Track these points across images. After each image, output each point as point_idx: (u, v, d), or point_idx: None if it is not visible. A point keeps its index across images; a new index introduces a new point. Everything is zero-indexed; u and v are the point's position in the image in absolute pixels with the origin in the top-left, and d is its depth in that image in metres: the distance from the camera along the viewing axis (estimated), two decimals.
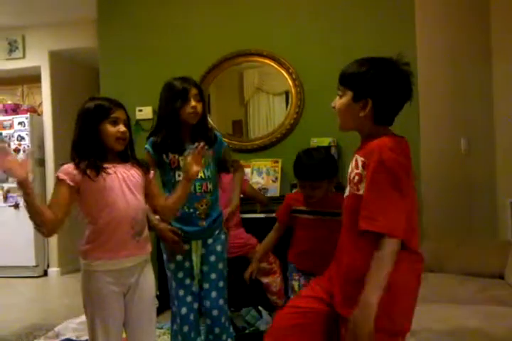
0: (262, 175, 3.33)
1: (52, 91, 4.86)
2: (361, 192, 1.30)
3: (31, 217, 1.54)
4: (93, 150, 1.64)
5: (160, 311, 3.10)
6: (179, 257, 2.06)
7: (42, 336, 2.86)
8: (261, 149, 3.54)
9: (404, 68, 1.37)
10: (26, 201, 1.51)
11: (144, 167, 1.75)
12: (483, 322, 1.79)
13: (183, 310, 2.05)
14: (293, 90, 3.50)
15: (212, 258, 2.08)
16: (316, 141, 3.32)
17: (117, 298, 1.67)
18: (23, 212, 4.67)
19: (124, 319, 1.70)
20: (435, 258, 2.56)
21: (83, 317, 2.99)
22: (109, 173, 1.63)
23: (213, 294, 2.06)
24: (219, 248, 2.10)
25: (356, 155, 1.37)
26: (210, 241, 2.08)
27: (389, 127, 1.40)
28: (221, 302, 2.07)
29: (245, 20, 3.62)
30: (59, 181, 1.61)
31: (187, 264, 2.06)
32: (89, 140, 1.65)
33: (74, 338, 2.75)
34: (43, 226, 1.56)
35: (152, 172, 1.81)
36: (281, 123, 3.56)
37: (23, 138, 4.77)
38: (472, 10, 3.24)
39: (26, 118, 4.78)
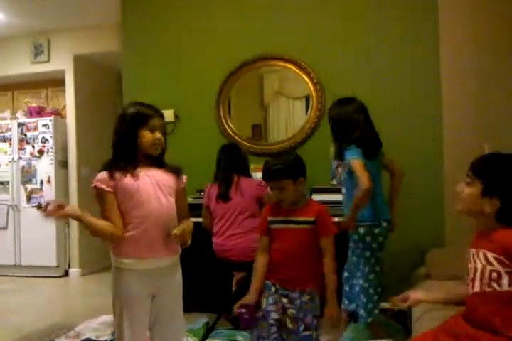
0: None
1: (75, 95, 4.94)
2: (506, 288, 1.34)
3: (95, 235, 1.66)
4: (128, 154, 1.70)
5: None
6: None
7: (63, 335, 2.89)
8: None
9: None
10: (86, 226, 1.65)
11: (176, 172, 1.80)
12: None
13: None
14: (314, 94, 3.50)
15: None
16: None
17: (145, 299, 1.70)
18: None
19: (151, 320, 1.73)
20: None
21: (103, 318, 3.06)
22: (141, 176, 1.68)
23: None
24: None
25: (480, 250, 1.41)
26: None
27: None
28: None
29: (266, 24, 3.64)
30: (100, 190, 1.67)
31: None
32: (127, 143, 1.70)
33: (94, 338, 2.79)
34: (108, 240, 1.68)
35: (185, 179, 1.85)
36: (301, 128, 3.56)
37: (46, 140, 4.86)
38: (498, 12, 3.20)
39: (50, 121, 4.87)
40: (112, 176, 1.66)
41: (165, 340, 1.76)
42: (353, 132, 2.39)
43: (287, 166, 1.89)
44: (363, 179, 2.24)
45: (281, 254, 1.91)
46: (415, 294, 1.61)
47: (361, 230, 2.40)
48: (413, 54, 3.32)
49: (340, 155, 2.46)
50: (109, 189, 1.66)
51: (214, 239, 2.87)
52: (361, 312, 2.40)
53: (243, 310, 1.85)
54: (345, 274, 2.50)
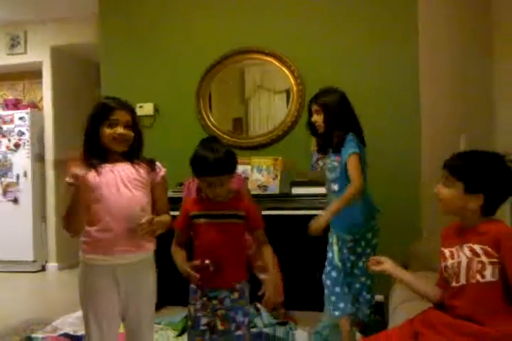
0: (262, 172, 3.33)
1: (53, 87, 4.85)
2: (489, 278, 1.36)
3: (70, 218, 1.64)
4: (94, 150, 1.68)
5: (158, 307, 3.10)
6: None
7: (39, 330, 2.86)
8: (261, 147, 3.55)
9: (509, 166, 1.44)
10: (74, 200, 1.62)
11: (149, 166, 1.75)
12: None
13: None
14: (294, 88, 3.50)
15: None
16: None
17: (111, 293, 1.67)
18: (22, 207, 4.69)
19: (122, 314, 1.71)
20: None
21: (81, 312, 3.02)
22: (105, 171, 1.66)
23: None
24: None
25: (464, 245, 1.43)
26: None
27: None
28: None
29: (248, 17, 3.62)
30: (71, 185, 1.66)
31: None
32: (90, 140, 1.69)
33: (71, 332, 2.75)
34: (75, 229, 1.67)
35: (163, 172, 1.80)
36: (281, 121, 3.56)
37: (23, 133, 4.76)
38: (474, 7, 3.25)
39: (27, 114, 4.78)
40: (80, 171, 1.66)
41: (134, 338, 1.75)
42: (351, 118, 2.34)
43: (227, 160, 1.74)
44: (360, 177, 2.20)
45: (208, 250, 1.76)
46: (386, 264, 1.62)
47: (369, 235, 2.34)
48: (392, 48, 3.35)
49: (337, 146, 2.30)
50: (78, 183, 1.65)
51: None
52: (365, 310, 2.38)
53: (208, 262, 1.71)
54: (334, 274, 2.33)
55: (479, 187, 1.42)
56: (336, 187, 2.33)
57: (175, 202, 3.06)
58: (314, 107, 2.38)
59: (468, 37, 3.20)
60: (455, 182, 1.45)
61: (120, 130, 1.66)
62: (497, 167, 1.43)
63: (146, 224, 1.61)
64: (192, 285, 1.81)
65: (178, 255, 1.81)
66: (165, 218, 1.75)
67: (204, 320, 1.77)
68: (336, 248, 2.33)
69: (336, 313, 2.27)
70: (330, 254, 2.36)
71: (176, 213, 2.92)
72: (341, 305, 2.26)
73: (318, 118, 2.35)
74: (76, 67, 5.20)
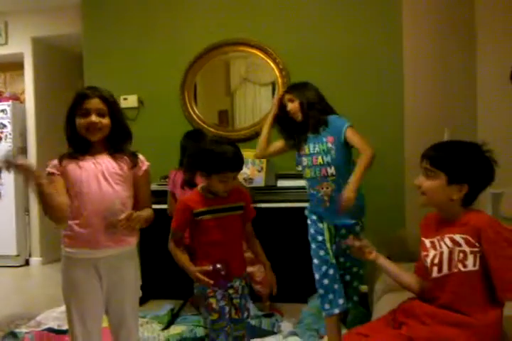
0: (247, 165, 3.32)
1: (35, 79, 4.76)
2: (470, 267, 1.38)
3: (44, 211, 1.58)
4: (74, 141, 1.67)
5: (143, 301, 3.11)
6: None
7: (23, 325, 2.83)
8: (247, 139, 3.53)
9: (488, 155, 1.44)
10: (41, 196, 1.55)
11: (131, 160, 1.71)
12: None
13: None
14: (279, 81, 3.49)
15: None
16: None
17: (93, 287, 1.66)
18: (4, 201, 4.62)
19: (105, 308, 1.70)
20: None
21: (64, 307, 3.00)
22: (86, 164, 1.64)
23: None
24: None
25: (446, 235, 1.44)
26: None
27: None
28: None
29: (233, 9, 3.59)
30: (50, 175, 1.64)
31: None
32: (68, 131, 1.68)
33: (55, 327, 2.73)
34: (56, 219, 1.60)
35: (145, 166, 1.76)
36: (267, 114, 3.54)
37: (5, 126, 4.68)
38: (457, 4, 3.28)
39: (8, 106, 4.69)
40: (60, 162, 1.64)
41: (118, 331, 1.73)
42: (327, 105, 2.32)
43: (241, 154, 1.77)
44: (368, 144, 2.15)
45: (220, 244, 1.78)
46: (374, 253, 1.64)
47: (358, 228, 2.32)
48: (377, 42, 3.35)
49: (315, 127, 2.25)
50: (58, 172, 1.63)
51: None
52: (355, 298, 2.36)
53: (219, 266, 1.74)
54: (331, 272, 2.24)
55: (464, 177, 1.42)
56: (332, 170, 2.23)
57: (159, 195, 3.06)
58: (287, 96, 2.33)
59: (451, 30, 3.23)
60: (437, 173, 1.44)
61: (94, 118, 1.63)
62: (477, 156, 1.43)
63: (125, 219, 1.59)
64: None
65: (183, 257, 1.78)
66: (147, 212, 1.72)
67: (227, 309, 1.80)
68: (328, 245, 2.27)
69: (336, 311, 2.21)
70: (322, 252, 2.27)
71: (162, 206, 2.94)
72: (340, 301, 2.21)
73: (293, 106, 2.30)
74: (58, 59, 5.11)
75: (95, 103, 1.64)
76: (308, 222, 2.38)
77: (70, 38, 4.60)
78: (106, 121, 1.65)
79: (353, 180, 2.11)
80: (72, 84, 5.06)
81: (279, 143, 2.46)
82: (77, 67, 4.42)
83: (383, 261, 1.64)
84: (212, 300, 1.77)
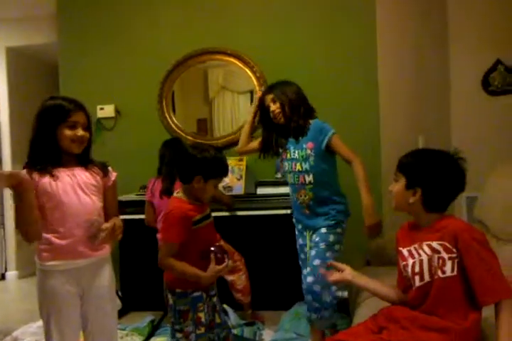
0: None
1: (9, 90, 4.67)
2: (449, 273, 1.40)
3: (21, 225, 1.50)
4: (48, 154, 1.63)
5: (123, 313, 3.06)
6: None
7: None
8: (226, 147, 3.53)
9: (459, 162, 1.48)
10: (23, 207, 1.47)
11: (102, 170, 1.74)
12: None
13: None
14: (257, 88, 3.51)
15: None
16: None
17: (73, 299, 1.64)
18: None
19: (82, 321, 1.68)
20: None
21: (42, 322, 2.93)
22: (61, 176, 1.62)
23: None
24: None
25: (423, 243, 1.46)
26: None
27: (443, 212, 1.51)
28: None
29: (210, 18, 3.61)
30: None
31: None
32: (45, 142, 1.63)
33: None
34: (28, 233, 1.53)
35: (114, 176, 1.79)
36: (245, 122, 3.56)
37: None
38: (431, 13, 3.36)
39: None
40: (30, 176, 1.59)
41: (96, 339, 1.71)
42: (309, 107, 2.27)
43: None
44: (355, 152, 2.14)
45: (207, 250, 1.76)
46: (346, 272, 1.64)
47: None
48: (352, 50, 3.40)
49: (297, 133, 2.20)
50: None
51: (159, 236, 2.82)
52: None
53: (214, 248, 1.74)
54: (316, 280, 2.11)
55: (417, 182, 1.47)
56: (310, 178, 2.19)
57: (138, 205, 3.04)
58: (269, 97, 2.25)
59: (426, 39, 3.31)
60: (400, 178, 1.52)
61: (81, 132, 1.65)
62: (439, 163, 1.47)
63: (110, 229, 1.61)
64: (194, 294, 1.75)
65: (188, 267, 1.69)
66: (119, 221, 1.73)
67: (212, 322, 1.81)
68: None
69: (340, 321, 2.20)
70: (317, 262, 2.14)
71: (142, 216, 2.91)
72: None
73: (275, 107, 2.23)
74: (34, 69, 5.04)
75: (82, 116, 1.66)
76: (296, 231, 2.37)
77: (45, 47, 4.54)
78: (87, 134, 1.68)
79: (366, 202, 2.06)
80: (48, 94, 4.98)
81: (255, 144, 2.43)
82: (53, 78, 4.37)
83: (358, 280, 1.64)
84: (200, 315, 1.74)
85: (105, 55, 3.77)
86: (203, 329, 1.74)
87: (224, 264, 1.72)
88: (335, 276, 1.65)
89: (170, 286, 1.79)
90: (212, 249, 1.73)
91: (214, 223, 1.89)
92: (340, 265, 1.68)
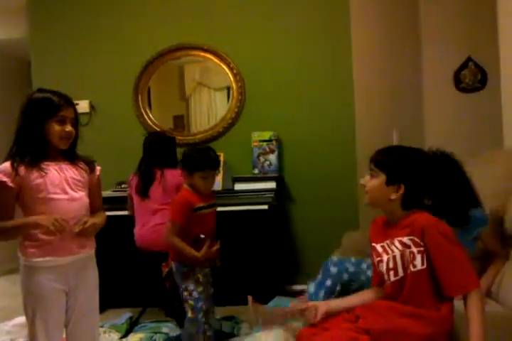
0: None
1: None
2: (419, 267, 1.44)
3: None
4: (35, 147, 1.60)
5: (101, 310, 3.03)
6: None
7: None
8: (203, 143, 3.53)
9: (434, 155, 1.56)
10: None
11: (88, 166, 1.74)
12: None
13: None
14: (234, 85, 3.52)
15: None
16: (257, 135, 3.37)
17: (59, 296, 1.63)
18: None
19: (67, 317, 1.67)
20: None
21: (17, 319, 2.90)
22: (49, 171, 1.60)
23: None
24: None
25: (395, 239, 1.49)
26: None
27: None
28: None
29: (186, 13, 3.59)
30: (1, 183, 1.55)
31: None
32: (33, 136, 1.60)
33: None
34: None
35: (98, 171, 1.80)
36: (222, 118, 3.57)
37: None
38: (404, 11, 3.42)
39: None
40: (17, 171, 1.55)
41: (78, 336, 1.71)
42: None
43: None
44: None
45: (210, 235, 2.14)
46: (321, 308, 1.59)
47: None
48: (328, 46, 3.43)
49: None
50: (11, 184, 1.55)
51: (136, 230, 2.81)
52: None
53: (203, 236, 2.09)
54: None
55: (400, 178, 1.49)
56: None
57: (114, 202, 3.02)
58: None
59: (398, 37, 3.37)
60: (379, 174, 1.53)
61: (70, 128, 1.63)
62: (418, 159, 1.52)
63: (92, 225, 1.64)
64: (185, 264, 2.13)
65: (186, 246, 2.08)
66: (102, 216, 1.77)
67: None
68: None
69: None
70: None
71: (117, 213, 2.89)
72: None
73: None
74: (5, 65, 4.91)
75: (71, 112, 1.65)
76: None
77: (16, 42, 4.43)
78: (74, 130, 1.67)
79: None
80: (20, 90, 4.88)
81: None
82: (25, 73, 4.28)
83: (333, 308, 1.61)
84: (199, 275, 2.14)
85: (79, 49, 3.70)
86: (201, 288, 2.13)
87: (214, 248, 2.12)
88: (315, 319, 1.59)
89: (173, 258, 2.18)
90: (202, 236, 2.09)
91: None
92: (310, 306, 1.61)
